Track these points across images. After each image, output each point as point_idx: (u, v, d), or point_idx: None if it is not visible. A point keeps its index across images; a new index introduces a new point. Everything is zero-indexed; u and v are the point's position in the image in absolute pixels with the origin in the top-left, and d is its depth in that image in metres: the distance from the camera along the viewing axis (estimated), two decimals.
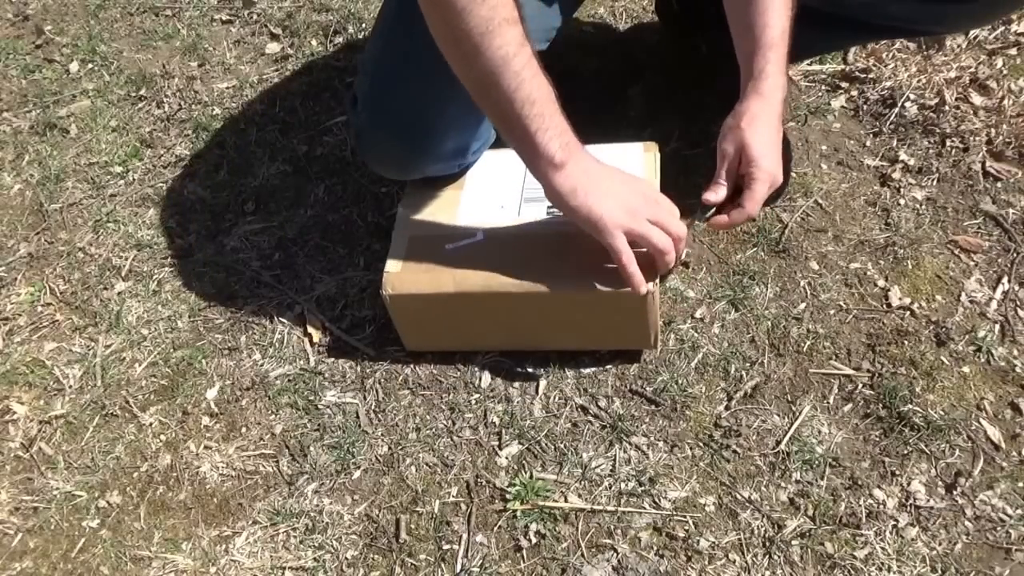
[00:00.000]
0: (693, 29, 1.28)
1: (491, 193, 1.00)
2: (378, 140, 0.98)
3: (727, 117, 0.90)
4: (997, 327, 0.99)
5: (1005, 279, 1.02)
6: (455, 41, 0.78)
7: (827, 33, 1.06)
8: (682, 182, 1.16)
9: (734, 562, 0.85)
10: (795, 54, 1.22)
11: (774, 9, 0.87)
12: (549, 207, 0.97)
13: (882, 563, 0.83)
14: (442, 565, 0.88)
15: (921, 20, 1.01)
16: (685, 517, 0.88)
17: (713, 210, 0.91)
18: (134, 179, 1.31)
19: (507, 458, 0.95)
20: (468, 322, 0.98)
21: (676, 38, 1.35)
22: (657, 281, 0.90)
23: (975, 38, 1.28)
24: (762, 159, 0.86)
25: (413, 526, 0.91)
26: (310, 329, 1.08)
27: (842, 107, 1.24)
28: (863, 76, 1.27)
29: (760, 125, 0.87)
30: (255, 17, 1.56)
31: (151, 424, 1.02)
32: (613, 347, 1.00)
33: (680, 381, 0.98)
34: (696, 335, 1.02)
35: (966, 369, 0.95)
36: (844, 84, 1.27)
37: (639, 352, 1.00)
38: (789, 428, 0.93)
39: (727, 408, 0.96)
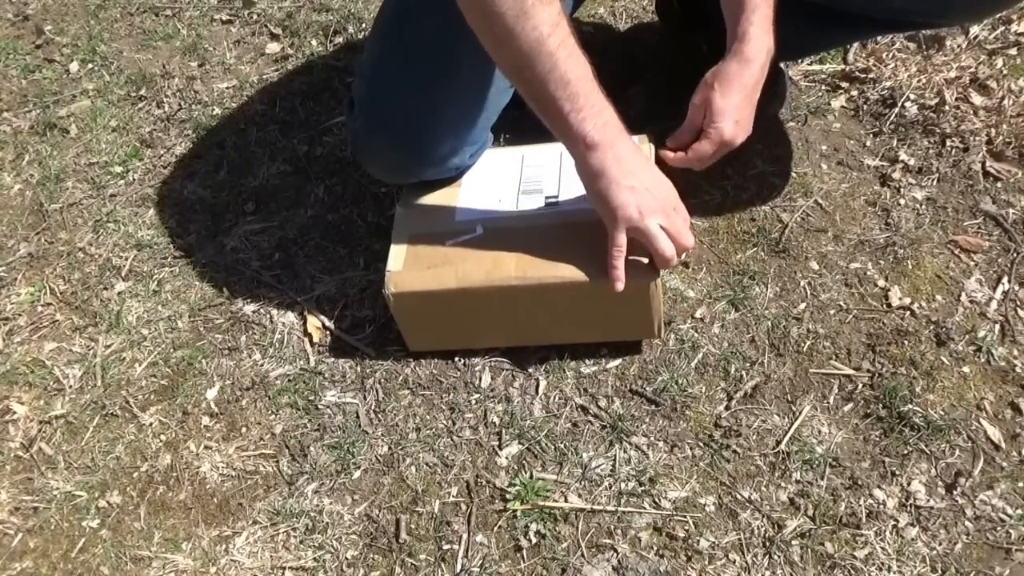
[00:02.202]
0: (694, 28, 1.28)
1: (488, 188, 1.00)
2: (374, 144, 0.98)
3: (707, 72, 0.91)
4: (997, 327, 0.99)
5: (1005, 279, 1.02)
6: (488, 24, 0.78)
7: (828, 29, 1.06)
8: (682, 181, 1.16)
9: (734, 562, 0.85)
10: (797, 52, 1.22)
11: None
12: (547, 197, 0.97)
13: (882, 563, 0.83)
14: (442, 565, 0.88)
15: (924, 11, 1.00)
16: (685, 517, 0.88)
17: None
18: (134, 179, 1.31)
19: (507, 458, 0.95)
20: (471, 318, 0.98)
21: (677, 37, 1.35)
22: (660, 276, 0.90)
23: (975, 38, 1.28)
24: (720, 119, 0.88)
25: (413, 526, 0.91)
26: (310, 329, 1.08)
27: (842, 107, 1.24)
28: (863, 76, 1.26)
29: (731, 86, 0.88)
30: (255, 17, 1.56)
31: (151, 424, 1.02)
32: (618, 338, 1.00)
33: (680, 381, 0.98)
34: (696, 335, 1.02)
35: (966, 369, 0.95)
36: (844, 84, 1.27)
37: (639, 352, 1.00)
38: (789, 428, 0.93)
39: (727, 408, 0.96)
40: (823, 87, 1.27)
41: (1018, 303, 1.00)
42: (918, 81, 1.23)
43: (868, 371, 0.97)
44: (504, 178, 1.01)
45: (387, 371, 1.03)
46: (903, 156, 1.16)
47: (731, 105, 0.88)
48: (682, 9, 1.29)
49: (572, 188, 0.97)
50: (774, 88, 1.22)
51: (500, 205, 0.98)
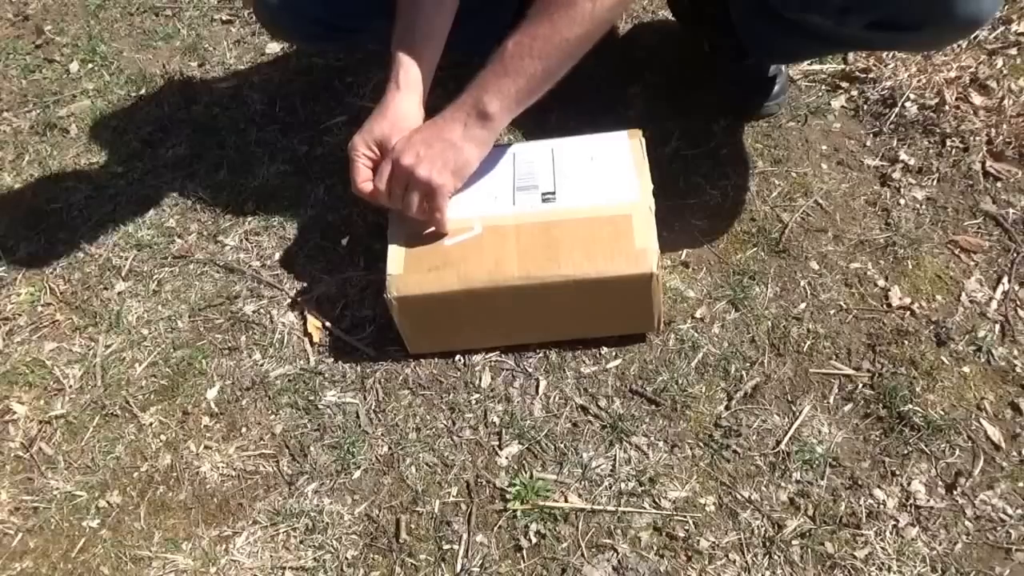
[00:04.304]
0: (702, 23, 1.28)
1: (482, 186, 1.00)
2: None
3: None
4: (997, 327, 0.99)
5: (1005, 279, 1.02)
6: None
7: (806, 41, 1.06)
8: (682, 182, 1.17)
9: (734, 562, 0.85)
10: (791, 57, 1.22)
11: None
12: (543, 193, 0.97)
13: (882, 563, 0.83)
14: (442, 565, 0.88)
15: (877, 44, 1.03)
16: (685, 517, 0.88)
17: None
18: (134, 179, 1.31)
19: (507, 458, 0.95)
20: (474, 318, 0.98)
21: (682, 33, 1.35)
22: (659, 261, 0.91)
23: (975, 38, 1.28)
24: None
25: (413, 526, 0.91)
26: (310, 329, 1.08)
27: (842, 107, 1.24)
28: (863, 76, 1.27)
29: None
30: (255, 17, 1.56)
31: (151, 424, 1.02)
32: (619, 332, 1.00)
33: (680, 381, 0.98)
34: (696, 335, 1.01)
35: (966, 369, 0.95)
36: (844, 84, 1.27)
37: (639, 352, 1.00)
38: (789, 428, 0.93)
39: (727, 408, 0.96)
40: (823, 87, 1.27)
41: (1018, 303, 1.00)
42: (918, 81, 1.23)
43: (868, 371, 0.97)
44: (497, 175, 1.01)
45: (387, 371, 1.03)
46: (903, 156, 1.16)
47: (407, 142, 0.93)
48: (692, 3, 1.29)
49: (568, 183, 0.97)
50: (773, 89, 1.22)
51: (496, 202, 0.98)
